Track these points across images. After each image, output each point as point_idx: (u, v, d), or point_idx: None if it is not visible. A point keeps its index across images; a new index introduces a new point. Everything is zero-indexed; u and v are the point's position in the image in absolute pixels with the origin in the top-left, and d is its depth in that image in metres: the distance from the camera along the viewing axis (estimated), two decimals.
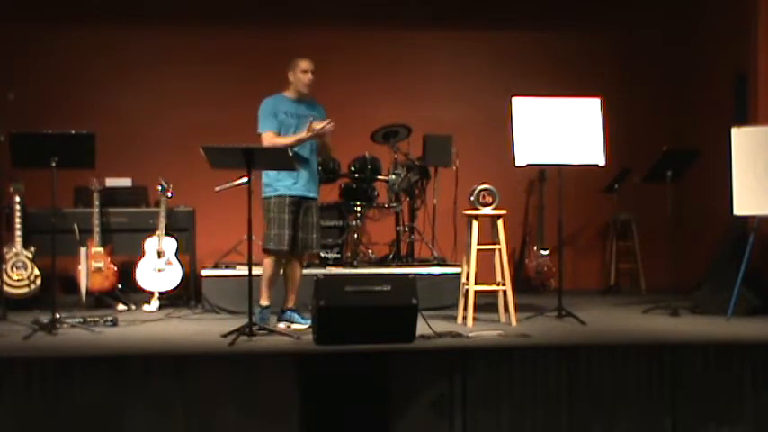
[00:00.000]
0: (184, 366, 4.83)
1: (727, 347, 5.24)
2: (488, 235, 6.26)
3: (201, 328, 6.05)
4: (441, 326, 5.73)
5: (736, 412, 5.10)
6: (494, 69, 8.84)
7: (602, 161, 6.37)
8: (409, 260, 7.57)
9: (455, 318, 6.31)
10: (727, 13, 7.99)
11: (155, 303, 7.08)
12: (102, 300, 7.18)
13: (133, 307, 7.08)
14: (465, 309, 6.17)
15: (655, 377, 5.06)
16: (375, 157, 7.55)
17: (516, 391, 4.97)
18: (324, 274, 5.75)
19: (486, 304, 6.47)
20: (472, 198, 6.29)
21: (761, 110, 7.21)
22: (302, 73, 6.00)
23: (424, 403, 4.90)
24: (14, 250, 6.95)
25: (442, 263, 7.42)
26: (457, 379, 4.93)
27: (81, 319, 6.04)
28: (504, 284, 6.20)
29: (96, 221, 7.15)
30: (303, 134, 5.89)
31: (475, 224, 6.21)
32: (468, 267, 6.25)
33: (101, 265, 7.12)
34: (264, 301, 6.04)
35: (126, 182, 7.71)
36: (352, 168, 7.51)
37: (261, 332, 5.45)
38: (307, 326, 5.79)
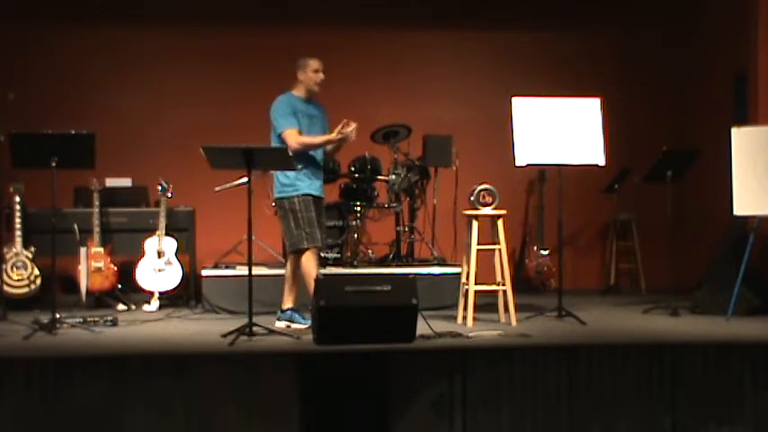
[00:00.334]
0: (184, 366, 4.83)
1: (727, 347, 5.24)
2: (488, 235, 6.26)
3: (201, 328, 6.05)
4: (441, 326, 5.73)
5: (736, 412, 5.10)
6: (494, 69, 8.84)
7: (602, 161, 6.37)
8: (409, 260, 7.57)
9: (455, 318, 6.31)
10: (727, 14, 7.98)
11: (155, 303, 7.08)
12: (102, 300, 7.18)
13: (133, 307, 7.08)
14: (465, 309, 6.17)
15: (655, 377, 5.06)
16: (375, 157, 7.55)
17: (516, 391, 4.97)
18: (324, 274, 5.75)
19: (486, 304, 6.47)
20: (472, 198, 6.29)
21: (761, 110, 7.21)
22: (314, 72, 5.99)
23: (424, 403, 4.90)
24: (14, 250, 6.95)
25: (442, 263, 7.42)
26: (457, 379, 4.93)
27: (81, 319, 6.04)
28: (504, 284, 6.20)
29: (96, 221, 7.15)
30: (334, 135, 5.89)
31: (475, 224, 6.21)
32: (468, 267, 6.25)
33: (101, 265, 7.12)
34: (289, 304, 6.05)
35: (126, 182, 7.71)
36: (352, 168, 7.51)
37: (261, 332, 5.45)
38: (307, 326, 5.79)
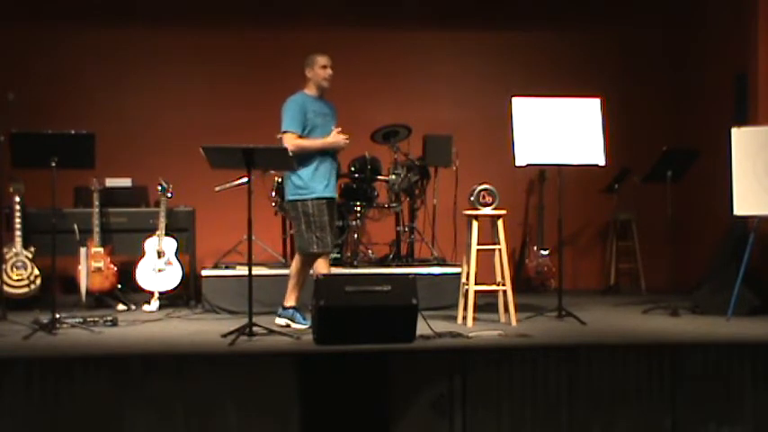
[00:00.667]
0: (184, 366, 4.83)
1: (727, 347, 5.24)
2: (488, 235, 6.26)
3: (201, 328, 6.05)
4: (441, 326, 5.73)
5: (736, 412, 5.10)
6: (494, 69, 8.84)
7: (602, 161, 6.37)
8: (409, 260, 7.57)
9: (455, 318, 6.31)
10: (728, 14, 7.98)
11: (155, 303, 7.08)
12: (102, 300, 7.18)
13: (133, 307, 7.08)
14: (465, 309, 6.17)
15: (655, 377, 5.06)
16: (375, 157, 7.54)
17: (516, 391, 4.97)
18: (324, 274, 5.75)
19: (486, 304, 6.47)
20: (472, 198, 6.29)
21: (761, 110, 7.20)
22: (321, 69, 5.95)
23: (424, 403, 4.90)
24: (14, 250, 6.95)
25: (442, 263, 7.42)
26: (457, 379, 4.93)
27: (81, 319, 6.04)
28: (504, 284, 6.20)
29: (96, 221, 7.15)
30: (329, 140, 5.87)
31: (475, 224, 6.21)
32: (468, 267, 6.25)
33: (101, 265, 7.12)
34: (291, 302, 6.03)
35: (126, 182, 7.71)
36: (352, 168, 7.51)
37: (261, 332, 5.45)
38: (307, 326, 5.79)
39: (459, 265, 6.57)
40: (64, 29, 8.30)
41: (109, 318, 6.14)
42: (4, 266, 6.82)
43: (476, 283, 6.15)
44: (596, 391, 5.02)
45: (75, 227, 7.10)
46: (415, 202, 7.69)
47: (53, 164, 5.74)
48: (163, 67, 8.48)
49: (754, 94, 7.31)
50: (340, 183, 7.58)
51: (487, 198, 6.28)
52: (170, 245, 7.19)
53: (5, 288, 6.73)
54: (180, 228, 7.42)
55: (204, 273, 7.06)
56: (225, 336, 5.38)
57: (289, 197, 5.99)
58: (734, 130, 6.52)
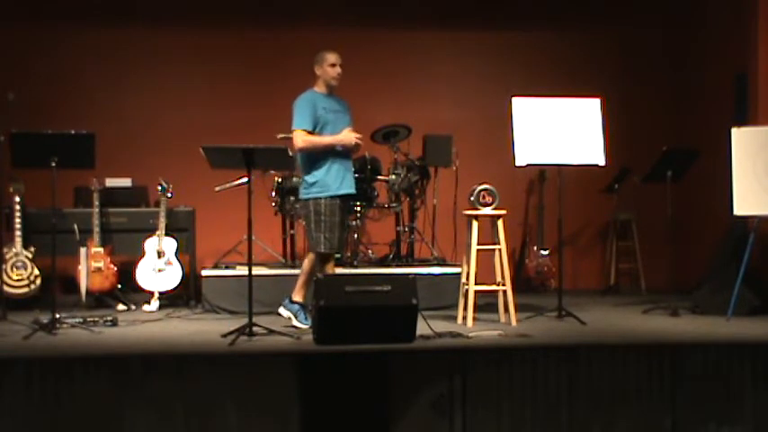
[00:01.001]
0: (184, 366, 4.83)
1: (727, 347, 5.24)
2: (488, 235, 6.26)
3: (201, 328, 6.05)
4: (441, 326, 5.73)
5: (736, 412, 5.10)
6: (494, 69, 8.84)
7: (602, 161, 6.37)
8: (409, 260, 7.57)
9: (455, 318, 6.31)
10: (728, 14, 7.98)
11: (155, 303, 7.08)
12: (102, 300, 7.18)
13: (133, 307, 7.08)
14: (465, 309, 6.17)
15: (655, 377, 5.06)
16: (375, 157, 7.54)
17: (516, 391, 4.97)
18: (324, 274, 5.74)
19: (486, 304, 6.47)
20: (472, 198, 6.29)
21: (761, 110, 7.20)
22: (330, 66, 5.90)
23: (424, 403, 4.90)
24: (14, 250, 6.95)
25: (442, 263, 7.42)
26: (457, 379, 4.93)
27: (81, 319, 6.04)
28: (504, 284, 6.20)
29: (96, 221, 7.15)
30: (340, 137, 5.82)
31: (475, 224, 6.21)
32: (468, 267, 6.25)
33: (101, 265, 7.12)
34: (299, 298, 5.99)
35: (126, 182, 7.71)
36: (353, 168, 7.49)
37: (261, 332, 5.45)
38: (307, 327, 5.78)
39: (459, 265, 6.57)
40: (64, 29, 8.30)
41: (109, 318, 6.14)
42: (4, 266, 6.82)
43: (476, 283, 6.15)
44: (596, 391, 5.02)
45: (75, 227, 7.10)
46: (415, 202, 7.69)
47: (53, 164, 5.74)
48: (163, 67, 8.48)
49: (754, 94, 7.31)
50: None
51: (487, 198, 6.28)
52: (170, 245, 7.19)
53: (5, 288, 6.73)
54: (180, 228, 7.42)
55: (204, 273, 7.06)
56: (225, 336, 5.38)
57: (301, 195, 5.96)
58: (734, 130, 6.52)
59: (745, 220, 6.66)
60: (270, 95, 8.20)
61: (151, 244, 7.16)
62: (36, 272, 6.98)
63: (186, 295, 7.36)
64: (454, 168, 7.74)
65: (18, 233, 6.96)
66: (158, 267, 7.13)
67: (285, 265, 7.30)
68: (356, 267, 7.22)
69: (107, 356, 4.98)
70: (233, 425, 4.79)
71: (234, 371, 4.87)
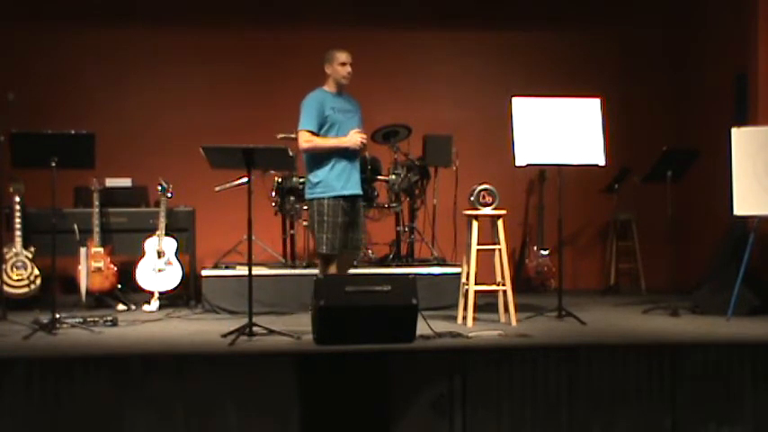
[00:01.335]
0: (184, 366, 4.83)
1: (727, 347, 5.24)
2: (488, 235, 6.26)
3: (201, 328, 6.05)
4: (441, 326, 5.73)
5: (736, 412, 5.10)
6: (494, 69, 8.84)
7: (602, 161, 6.37)
8: (409, 260, 7.57)
9: (455, 318, 6.31)
10: (728, 14, 7.98)
11: (155, 303, 7.08)
12: (102, 300, 7.18)
13: (133, 307, 7.08)
14: (465, 309, 6.17)
15: (655, 377, 5.06)
16: (375, 158, 7.54)
17: (516, 391, 4.97)
18: (324, 274, 5.74)
19: (486, 304, 6.47)
20: (472, 198, 6.29)
21: (761, 110, 7.20)
22: (340, 65, 5.85)
23: (424, 403, 4.90)
24: (14, 250, 6.95)
25: (442, 263, 7.41)
26: (457, 379, 4.93)
27: (81, 319, 6.04)
28: (504, 284, 6.20)
29: (96, 221, 7.15)
30: (344, 140, 5.76)
31: (475, 224, 6.21)
32: (468, 267, 6.25)
33: (101, 265, 7.12)
34: None
35: (126, 182, 7.71)
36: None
37: (261, 332, 5.44)
38: None
39: (459, 265, 6.57)
40: (64, 29, 8.29)
41: (109, 318, 6.14)
42: (4, 266, 6.82)
43: (476, 283, 6.15)
44: (596, 391, 5.02)
45: (75, 227, 7.10)
46: (415, 202, 7.69)
47: (53, 164, 5.74)
48: (163, 67, 8.48)
49: (754, 94, 7.30)
50: None
51: (487, 198, 6.28)
52: (170, 245, 7.19)
53: (5, 288, 6.73)
54: (180, 228, 7.42)
55: (204, 273, 7.06)
56: (225, 336, 5.38)
57: (306, 195, 5.95)
58: (734, 130, 6.52)
59: (745, 220, 6.66)
60: (270, 95, 8.20)
61: (151, 244, 7.16)
62: (36, 272, 6.98)
63: (186, 295, 7.36)
64: (454, 168, 7.74)
65: (18, 233, 6.96)
66: (158, 267, 7.13)
67: (285, 266, 7.30)
68: (356, 267, 7.20)
69: (107, 356, 4.98)
70: (233, 425, 4.79)
71: (234, 371, 4.87)
